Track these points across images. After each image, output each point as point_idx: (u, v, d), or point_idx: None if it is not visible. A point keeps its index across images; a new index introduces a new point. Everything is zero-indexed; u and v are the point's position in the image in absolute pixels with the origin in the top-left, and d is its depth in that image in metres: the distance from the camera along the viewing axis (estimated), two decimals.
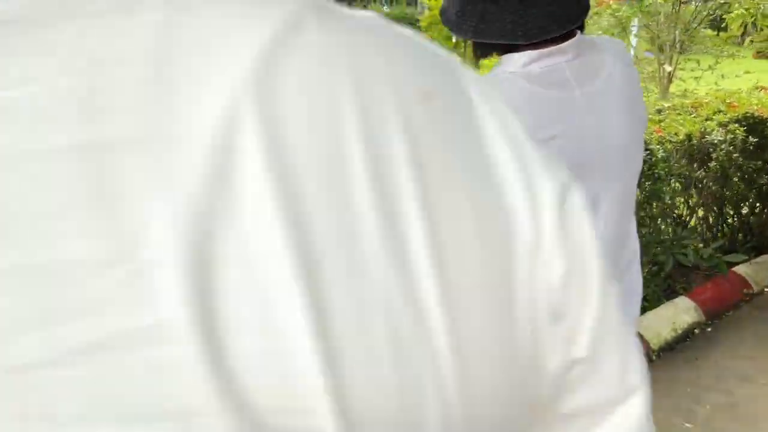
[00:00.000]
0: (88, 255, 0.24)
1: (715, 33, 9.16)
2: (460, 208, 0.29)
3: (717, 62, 8.32)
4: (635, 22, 15.96)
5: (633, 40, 16.40)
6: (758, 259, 4.03)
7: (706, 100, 4.17)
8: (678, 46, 8.14)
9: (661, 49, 8.26)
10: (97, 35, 0.26)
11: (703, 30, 8.49)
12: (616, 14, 16.72)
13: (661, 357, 3.37)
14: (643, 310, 3.42)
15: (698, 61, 8.38)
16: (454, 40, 17.66)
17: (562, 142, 1.03)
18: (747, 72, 8.12)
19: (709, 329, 3.66)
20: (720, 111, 3.83)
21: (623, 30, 17.86)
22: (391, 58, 0.30)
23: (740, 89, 4.61)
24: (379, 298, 0.27)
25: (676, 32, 7.96)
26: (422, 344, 0.27)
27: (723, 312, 3.76)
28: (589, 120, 1.08)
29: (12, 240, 0.24)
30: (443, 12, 1.16)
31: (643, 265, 3.27)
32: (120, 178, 0.24)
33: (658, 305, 3.62)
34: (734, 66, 8.41)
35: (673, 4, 7.83)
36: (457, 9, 1.11)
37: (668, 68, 8.09)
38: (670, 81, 8.29)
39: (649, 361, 3.35)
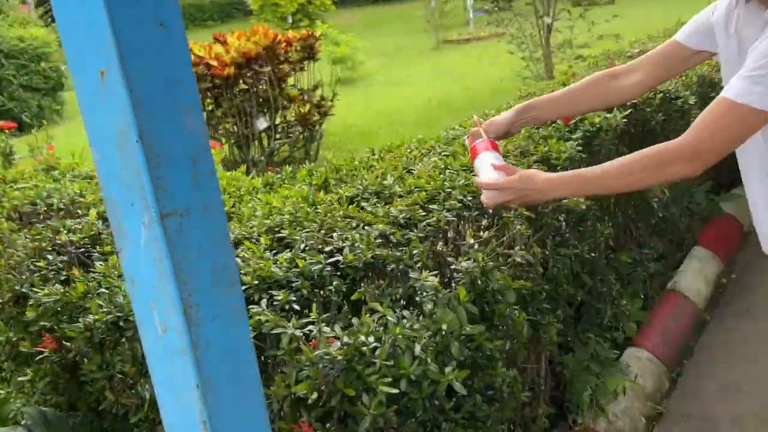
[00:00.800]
0: None
1: None
2: None
3: (586, 10, 8.41)
4: None
5: (469, 0, 16.56)
6: (734, 192, 3.94)
7: None
8: None
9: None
10: None
11: None
12: None
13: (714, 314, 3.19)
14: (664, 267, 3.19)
15: (569, 11, 8.43)
16: (290, 20, 16.58)
17: None
18: (615, 16, 8.33)
19: (734, 275, 3.57)
20: None
21: None
22: None
23: None
24: None
25: None
26: None
27: (734, 255, 3.69)
28: None
29: None
30: None
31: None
32: None
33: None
34: (605, 12, 8.57)
35: None
36: None
37: (548, 20, 8.04)
38: (550, 32, 8.26)
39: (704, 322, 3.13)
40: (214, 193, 0.80)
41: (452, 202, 1.77)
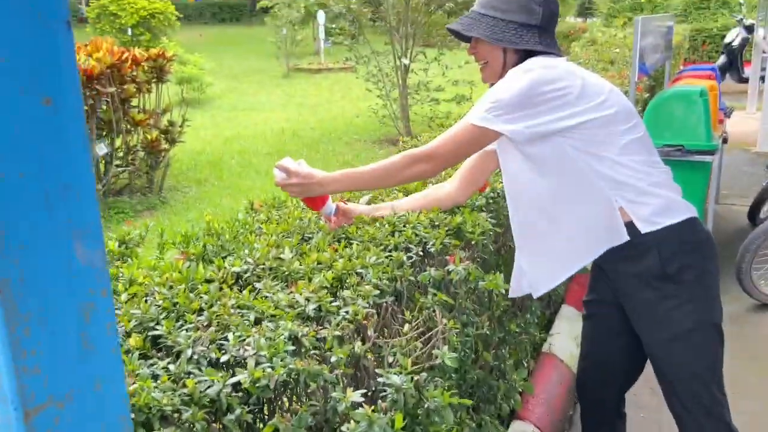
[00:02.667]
0: None
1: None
2: None
3: (441, 53, 8.58)
4: (321, 14, 16.08)
5: (321, 31, 16.53)
6: None
7: None
8: (412, 38, 8.16)
9: (402, 43, 8.18)
10: None
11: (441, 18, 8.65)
12: (303, 5, 16.62)
13: None
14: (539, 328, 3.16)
15: (425, 53, 8.55)
16: (130, 33, 15.66)
17: None
18: (467, 62, 8.55)
19: None
20: None
21: (308, 21, 17.87)
22: None
23: None
24: None
25: (408, 24, 7.95)
26: None
27: None
28: None
29: None
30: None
31: None
32: None
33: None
34: (459, 56, 8.77)
35: None
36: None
37: (405, 61, 8.07)
38: (407, 73, 8.30)
39: None
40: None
41: (367, 287, 1.49)
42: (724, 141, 4.82)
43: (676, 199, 1.83)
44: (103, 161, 5.98)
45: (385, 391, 1.25)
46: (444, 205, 2.02)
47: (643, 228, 1.77)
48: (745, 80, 9.58)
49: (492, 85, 1.89)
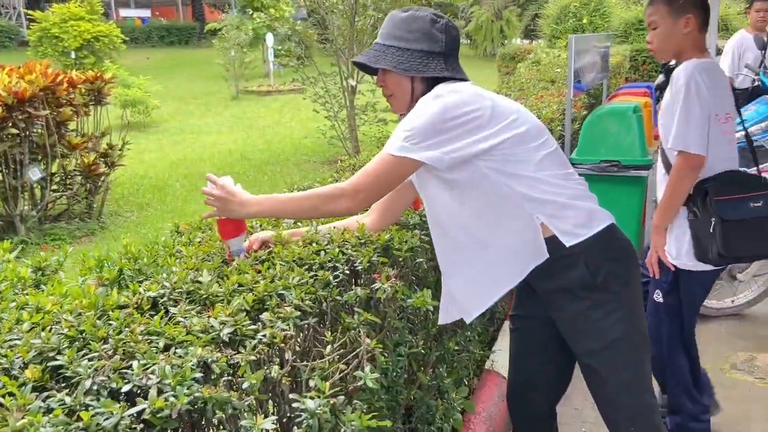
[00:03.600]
0: None
1: None
2: None
3: None
4: (270, 36, 16.09)
5: (270, 54, 16.51)
6: None
7: None
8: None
9: (349, 65, 8.19)
10: None
11: None
12: (251, 28, 16.62)
13: None
14: (481, 345, 3.13)
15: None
16: (73, 56, 15.41)
17: None
18: None
19: None
20: None
21: (257, 43, 17.88)
22: None
23: None
24: None
25: (355, 45, 7.97)
26: None
27: None
28: None
29: None
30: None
31: None
32: None
33: None
34: None
35: (349, 18, 7.78)
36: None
37: (352, 82, 8.08)
38: (354, 94, 8.31)
39: None
40: None
41: (288, 308, 1.44)
42: None
43: (595, 208, 1.85)
44: (39, 187, 5.78)
45: (300, 416, 1.20)
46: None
47: (568, 241, 1.78)
48: None
49: (402, 116, 1.89)
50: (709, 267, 2.50)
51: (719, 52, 6.95)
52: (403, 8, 1.91)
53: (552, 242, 1.78)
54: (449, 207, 1.83)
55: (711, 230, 2.41)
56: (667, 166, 2.55)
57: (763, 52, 6.00)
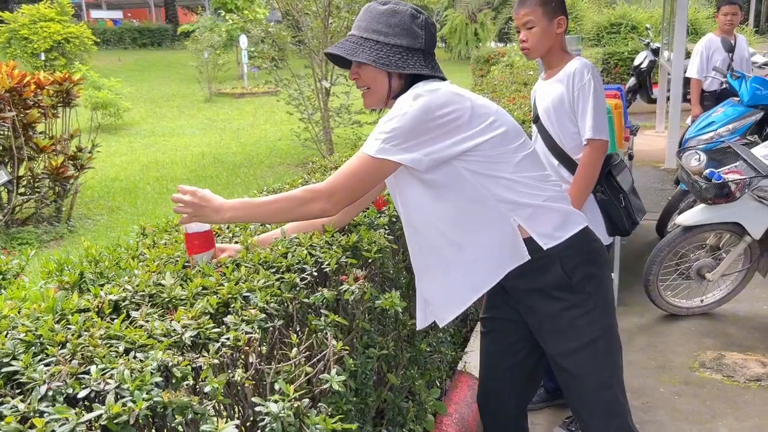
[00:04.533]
0: None
1: None
2: None
3: None
4: (243, 38, 15.97)
5: (243, 56, 16.40)
6: None
7: None
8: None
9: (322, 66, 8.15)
10: None
11: None
12: (225, 30, 16.51)
13: None
14: (454, 346, 3.13)
15: (346, 77, 8.55)
16: (43, 57, 15.16)
17: None
18: None
19: None
20: None
21: (230, 46, 17.75)
22: None
23: None
24: None
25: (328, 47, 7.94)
26: None
27: None
28: None
29: None
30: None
31: None
32: None
33: None
34: None
35: (323, 20, 7.76)
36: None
37: (326, 84, 8.05)
38: (328, 96, 8.27)
39: None
40: None
41: (252, 311, 1.42)
42: (630, 158, 4.99)
43: (571, 210, 1.85)
44: (5, 189, 5.67)
45: (263, 420, 1.18)
46: (315, 229, 1.93)
47: (545, 244, 1.77)
48: (654, 101, 10.01)
49: (377, 111, 1.89)
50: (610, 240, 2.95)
51: (688, 54, 7.06)
52: (381, 0, 1.84)
53: (528, 244, 1.77)
54: (424, 207, 1.80)
55: (623, 205, 2.80)
56: (561, 156, 2.77)
57: (730, 54, 6.11)
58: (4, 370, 1.17)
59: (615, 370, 1.92)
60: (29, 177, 5.85)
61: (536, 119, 2.84)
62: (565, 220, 1.81)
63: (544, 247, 1.77)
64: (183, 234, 1.75)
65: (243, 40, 16.58)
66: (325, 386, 1.38)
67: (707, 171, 3.65)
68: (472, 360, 3.21)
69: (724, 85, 5.74)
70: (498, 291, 1.93)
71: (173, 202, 1.73)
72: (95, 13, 36.83)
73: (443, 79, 1.83)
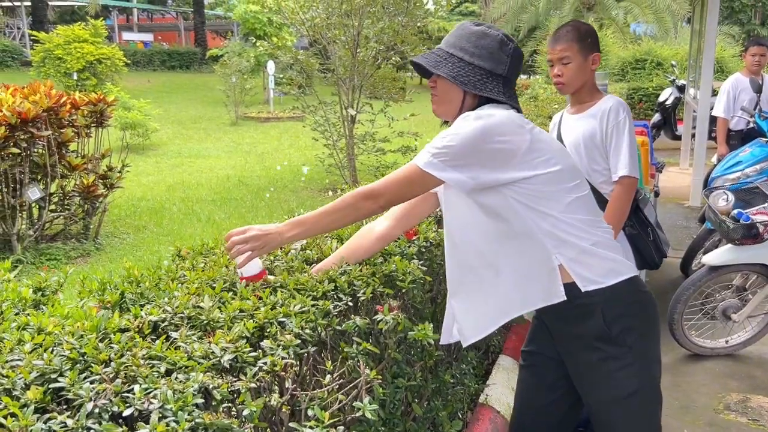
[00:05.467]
0: None
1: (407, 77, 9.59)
2: None
3: (387, 105, 8.70)
4: (271, 64, 16.22)
5: (270, 81, 16.64)
6: None
7: None
8: (359, 89, 8.26)
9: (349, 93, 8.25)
10: None
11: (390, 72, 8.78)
12: (253, 55, 16.78)
13: None
14: (476, 378, 3.12)
15: (371, 105, 8.66)
16: (75, 77, 15.44)
17: None
18: (412, 114, 8.69)
19: None
20: None
21: (258, 71, 18.01)
22: None
23: None
24: None
25: (356, 76, 8.06)
26: None
27: None
28: None
29: None
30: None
31: None
32: None
33: None
34: (404, 108, 8.91)
35: (351, 49, 7.87)
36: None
37: (352, 112, 8.15)
38: (353, 124, 8.37)
39: None
40: None
41: (288, 336, 1.45)
42: (656, 194, 4.98)
43: (618, 258, 1.82)
44: (37, 206, 5.79)
45: None
46: (374, 250, 1.98)
47: (585, 286, 1.74)
48: (679, 137, 9.99)
49: (444, 122, 1.91)
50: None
51: (715, 93, 7.07)
52: (475, 21, 1.89)
53: (569, 287, 1.75)
54: (469, 226, 1.81)
55: (651, 238, 2.84)
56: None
57: (758, 95, 6.10)
58: (51, 386, 1.21)
59: (654, 425, 1.88)
60: (60, 194, 5.96)
61: None
62: (612, 268, 1.78)
63: (583, 289, 1.74)
64: (226, 260, 1.78)
65: (270, 66, 16.84)
66: (357, 414, 1.40)
67: (735, 211, 3.64)
68: (493, 393, 3.20)
69: (751, 125, 5.73)
70: (540, 327, 1.92)
71: (228, 251, 1.76)
72: (127, 35, 37.68)
73: (517, 109, 1.84)
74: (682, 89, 9.83)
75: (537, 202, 1.72)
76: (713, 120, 6.54)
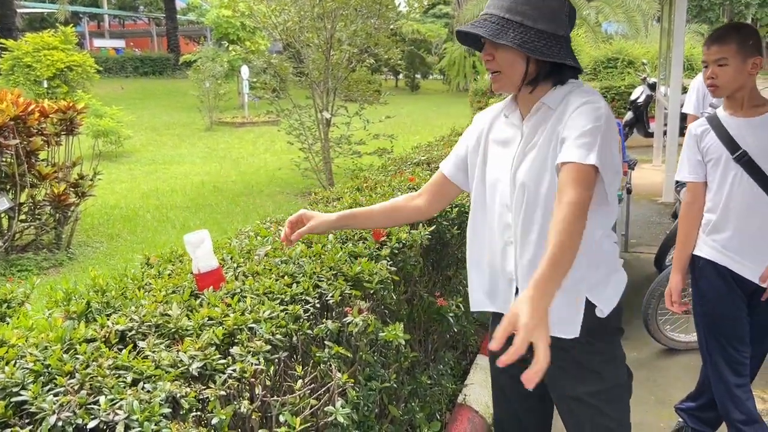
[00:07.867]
0: None
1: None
2: None
3: (362, 108, 8.69)
4: (245, 69, 16.14)
5: (245, 85, 16.56)
6: None
7: None
8: (333, 92, 8.24)
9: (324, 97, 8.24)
10: None
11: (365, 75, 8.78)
12: (227, 60, 16.67)
13: None
14: (453, 378, 3.12)
15: (346, 108, 8.65)
16: (45, 85, 15.20)
17: None
18: (388, 117, 8.70)
19: None
20: None
21: (232, 75, 17.91)
22: None
23: None
24: None
25: (330, 79, 8.04)
26: None
27: None
28: None
29: None
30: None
31: None
32: None
33: None
34: (379, 111, 8.91)
35: (324, 52, 7.86)
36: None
37: (327, 115, 8.13)
38: (328, 127, 8.35)
39: None
40: None
41: (258, 342, 1.43)
42: (629, 192, 5.03)
43: (623, 275, 1.82)
44: (6, 216, 5.69)
45: None
46: (412, 218, 2.00)
47: (606, 309, 1.73)
48: (651, 135, 10.11)
49: (503, 95, 1.78)
50: None
51: (684, 89, 7.16)
52: None
53: (586, 312, 1.71)
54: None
55: None
56: None
57: None
58: (13, 399, 1.18)
59: (624, 417, 1.87)
60: (30, 204, 5.87)
61: (742, 156, 2.54)
62: (621, 281, 1.79)
63: (601, 316, 1.72)
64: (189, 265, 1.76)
65: (244, 71, 16.75)
66: (329, 418, 1.39)
67: None
68: (471, 393, 3.20)
69: None
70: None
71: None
72: (98, 42, 37.26)
73: (581, 69, 1.74)
74: (653, 87, 9.94)
75: (599, 201, 1.65)
76: (684, 117, 6.63)
